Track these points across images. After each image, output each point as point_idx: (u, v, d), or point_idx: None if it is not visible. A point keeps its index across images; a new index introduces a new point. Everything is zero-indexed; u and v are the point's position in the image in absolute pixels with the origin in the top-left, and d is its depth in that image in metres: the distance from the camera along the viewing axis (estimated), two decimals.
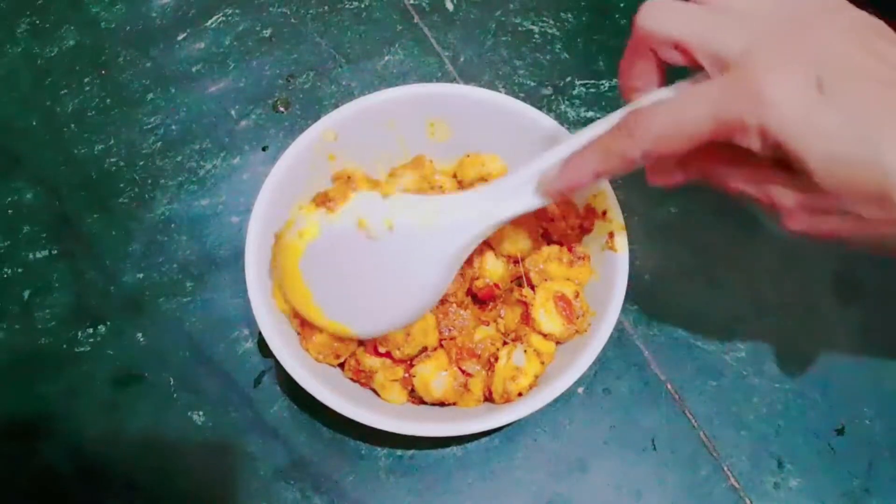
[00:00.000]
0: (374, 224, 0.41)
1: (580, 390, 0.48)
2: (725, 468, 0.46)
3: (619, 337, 0.49)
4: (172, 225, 0.53)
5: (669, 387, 0.48)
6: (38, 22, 0.60)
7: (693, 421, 0.47)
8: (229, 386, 0.48)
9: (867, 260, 0.51)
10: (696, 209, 0.53)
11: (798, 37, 0.33)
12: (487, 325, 0.45)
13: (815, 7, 0.34)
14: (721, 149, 0.34)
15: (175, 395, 0.48)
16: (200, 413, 0.48)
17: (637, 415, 0.47)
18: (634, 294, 0.50)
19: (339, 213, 0.42)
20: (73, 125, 0.56)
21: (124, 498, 0.46)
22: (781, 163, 0.33)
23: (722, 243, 0.52)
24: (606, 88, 0.57)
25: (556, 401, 0.47)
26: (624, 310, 0.49)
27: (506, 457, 0.47)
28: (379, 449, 0.47)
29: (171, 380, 0.48)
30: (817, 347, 0.49)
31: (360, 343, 0.44)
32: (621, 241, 0.44)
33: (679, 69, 0.36)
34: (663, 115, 0.34)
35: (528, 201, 0.40)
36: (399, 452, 0.47)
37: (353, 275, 0.43)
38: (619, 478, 0.46)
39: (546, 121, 0.47)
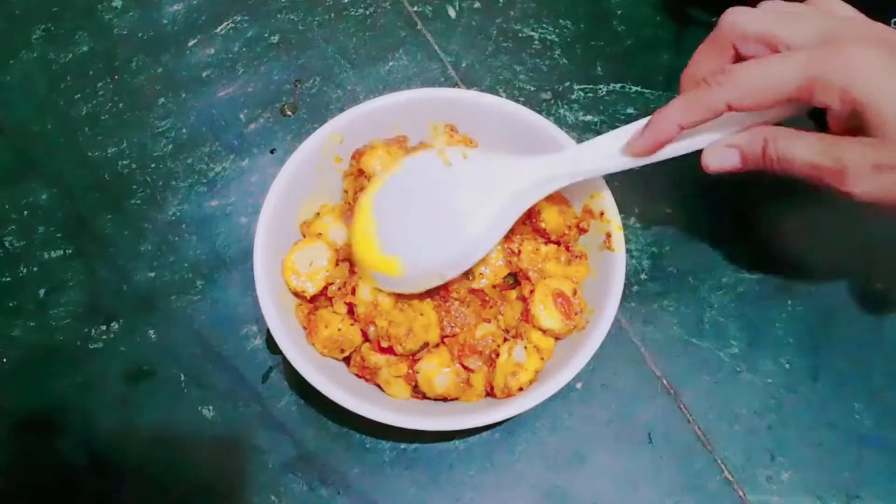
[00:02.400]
0: (452, 154, 0.44)
1: (578, 385, 0.48)
2: (719, 461, 0.46)
3: (616, 334, 0.49)
4: (183, 225, 0.53)
5: (665, 382, 0.48)
6: (52, 28, 0.60)
7: (688, 415, 0.47)
8: (238, 381, 0.48)
9: (861, 257, 0.51)
10: (691, 210, 0.53)
11: (866, 26, 0.38)
12: (488, 322, 0.45)
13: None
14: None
15: (185, 391, 0.48)
16: (210, 408, 0.48)
17: (634, 409, 0.48)
18: (631, 292, 0.51)
19: (422, 151, 0.45)
20: (86, 129, 0.56)
21: (136, 490, 0.46)
22: (850, 132, 0.36)
23: (715, 243, 0.52)
24: (604, 93, 0.57)
25: (555, 396, 0.47)
26: (621, 308, 0.49)
27: (506, 450, 0.47)
28: (383, 442, 0.47)
29: (182, 375, 0.49)
30: (809, 344, 0.49)
31: (366, 339, 0.44)
32: (618, 241, 0.44)
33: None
34: (754, 69, 0.37)
35: (611, 162, 0.43)
36: (403, 446, 0.47)
37: (421, 204, 0.43)
38: (616, 470, 0.46)
39: (547, 125, 0.47)
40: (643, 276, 0.51)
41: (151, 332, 0.50)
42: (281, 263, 0.45)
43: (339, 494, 0.46)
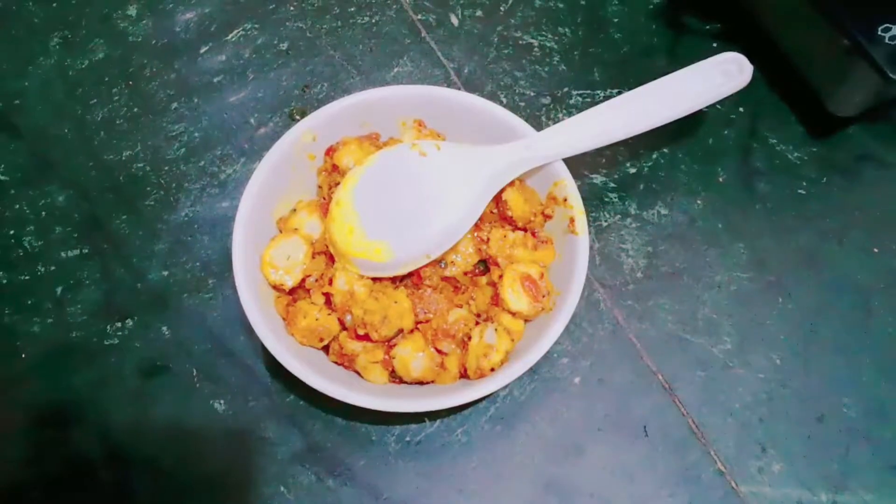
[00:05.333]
0: (426, 146, 0.46)
1: (577, 380, 0.48)
2: (712, 453, 0.46)
3: (613, 331, 0.50)
4: (195, 226, 0.53)
5: (660, 377, 0.48)
6: (69, 36, 0.60)
7: (682, 409, 0.48)
8: (249, 376, 0.49)
9: (849, 257, 0.52)
10: (686, 211, 0.53)
11: None
12: (460, 307, 0.45)
13: None
14: None
15: (198, 385, 0.48)
16: (221, 401, 0.48)
17: (630, 403, 0.48)
18: (628, 290, 0.51)
19: (396, 144, 0.47)
20: (102, 132, 0.56)
21: (150, 481, 0.46)
22: None
23: (709, 243, 0.52)
24: (602, 98, 0.57)
25: (553, 390, 0.48)
26: (618, 306, 0.50)
27: (507, 442, 0.47)
28: (389, 435, 0.47)
29: (195, 370, 0.49)
30: (799, 341, 0.49)
31: (343, 327, 0.45)
32: (581, 225, 0.45)
33: None
34: None
35: (568, 147, 0.46)
36: (408, 438, 0.47)
37: (400, 193, 0.45)
38: (613, 462, 0.46)
39: (509, 116, 0.48)
40: (639, 275, 0.51)
41: (165, 328, 0.50)
42: (259, 259, 0.45)
43: (346, 485, 0.46)
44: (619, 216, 0.53)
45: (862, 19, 0.47)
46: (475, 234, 0.46)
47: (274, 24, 0.61)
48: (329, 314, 0.44)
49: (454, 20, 0.61)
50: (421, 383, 0.44)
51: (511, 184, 0.46)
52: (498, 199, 0.47)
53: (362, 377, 0.44)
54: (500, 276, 0.45)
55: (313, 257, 0.46)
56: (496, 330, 0.43)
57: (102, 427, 0.48)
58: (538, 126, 0.49)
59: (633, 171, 0.55)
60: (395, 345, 0.44)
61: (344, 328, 0.45)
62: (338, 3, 0.62)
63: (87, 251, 0.53)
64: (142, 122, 0.57)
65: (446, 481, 0.46)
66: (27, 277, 0.52)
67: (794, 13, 0.52)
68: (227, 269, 0.51)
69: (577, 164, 0.48)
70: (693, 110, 0.47)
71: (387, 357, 0.44)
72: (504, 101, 0.57)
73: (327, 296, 0.45)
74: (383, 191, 0.45)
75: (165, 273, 0.52)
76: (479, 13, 0.61)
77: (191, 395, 0.48)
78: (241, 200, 0.45)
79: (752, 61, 0.48)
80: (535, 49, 0.60)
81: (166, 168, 0.55)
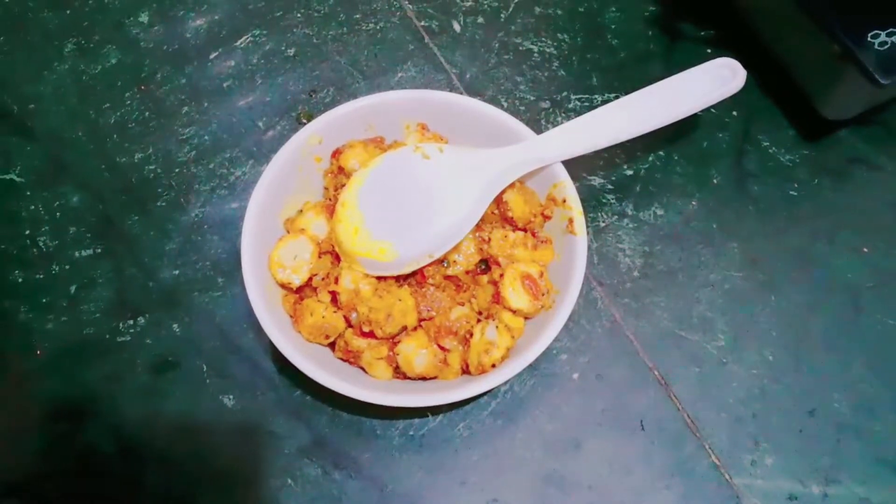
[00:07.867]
0: (429, 148, 0.46)
1: (575, 376, 0.48)
2: (707, 447, 0.46)
3: (610, 328, 0.50)
4: (205, 226, 0.53)
5: (656, 373, 0.48)
6: (83, 42, 0.60)
7: (678, 404, 0.48)
8: (256, 372, 0.49)
9: (839, 257, 0.52)
10: (681, 212, 0.53)
11: None
12: (462, 305, 0.46)
13: None
14: None
15: (207, 381, 0.49)
16: (230, 397, 0.48)
17: (627, 399, 0.48)
18: (625, 289, 0.51)
19: (400, 147, 0.47)
20: (115, 136, 0.57)
21: (161, 474, 0.47)
22: None
23: (704, 243, 0.52)
24: (599, 102, 0.57)
25: (553, 386, 0.48)
26: (615, 304, 0.50)
27: (507, 437, 0.47)
28: (393, 429, 0.47)
29: (204, 366, 0.49)
30: (791, 338, 0.49)
31: (348, 325, 0.45)
32: (580, 225, 0.45)
33: None
34: None
35: (567, 150, 0.46)
36: (411, 432, 0.47)
37: (404, 194, 0.45)
38: (611, 456, 0.47)
39: (509, 119, 0.48)
40: (636, 274, 0.51)
41: (175, 326, 0.50)
42: (267, 258, 0.45)
43: (352, 478, 0.46)
44: (616, 217, 0.53)
45: (852, 26, 0.47)
46: (477, 235, 0.46)
47: (282, 30, 0.61)
48: (335, 312, 0.45)
49: (456, 27, 0.61)
50: (424, 379, 0.44)
51: (511, 185, 0.47)
52: (499, 200, 0.47)
53: (367, 373, 0.45)
54: (501, 275, 0.45)
55: (319, 257, 0.46)
56: (497, 327, 0.44)
57: (115, 421, 0.48)
58: (538, 129, 0.49)
59: (629, 173, 0.55)
60: (399, 342, 0.44)
61: (349, 325, 0.45)
62: (343, 10, 0.62)
63: (100, 251, 0.53)
64: (153, 125, 0.57)
65: (449, 474, 0.46)
66: (42, 276, 0.52)
67: (786, 20, 0.52)
68: (236, 268, 0.51)
69: (576, 167, 0.48)
70: (688, 114, 0.47)
71: (391, 353, 0.44)
72: (505, 105, 0.57)
73: (333, 294, 0.45)
74: (388, 192, 0.45)
75: (176, 272, 0.52)
76: (480, 20, 0.61)
77: (200, 390, 0.48)
78: (250, 201, 0.45)
79: (745, 66, 0.48)
80: (535, 55, 0.60)
81: (177, 170, 0.55)
